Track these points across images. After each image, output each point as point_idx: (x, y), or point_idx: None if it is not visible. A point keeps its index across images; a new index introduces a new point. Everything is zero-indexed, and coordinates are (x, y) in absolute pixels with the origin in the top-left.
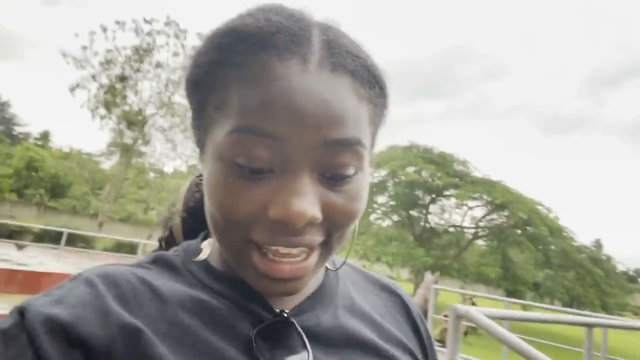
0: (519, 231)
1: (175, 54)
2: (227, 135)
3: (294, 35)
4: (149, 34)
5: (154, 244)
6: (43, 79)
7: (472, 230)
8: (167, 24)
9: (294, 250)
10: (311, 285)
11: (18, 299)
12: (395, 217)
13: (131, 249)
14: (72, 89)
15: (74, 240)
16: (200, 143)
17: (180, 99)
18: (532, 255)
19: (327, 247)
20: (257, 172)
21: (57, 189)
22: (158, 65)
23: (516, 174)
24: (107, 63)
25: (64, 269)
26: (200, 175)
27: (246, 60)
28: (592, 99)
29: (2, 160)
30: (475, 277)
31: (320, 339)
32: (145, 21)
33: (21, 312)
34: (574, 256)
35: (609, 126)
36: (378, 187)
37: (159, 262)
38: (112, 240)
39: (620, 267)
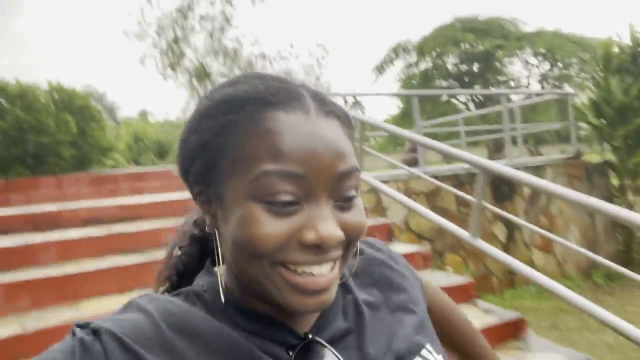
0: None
1: (212, 3)
2: (256, 179)
3: (290, 92)
4: None
5: None
6: (123, 62)
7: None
8: None
9: (324, 267)
10: None
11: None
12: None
13: None
14: (142, 61)
15: None
16: (216, 194)
17: (229, 42)
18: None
19: (344, 260)
20: (288, 206)
21: (162, 151)
22: (202, 18)
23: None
24: (161, 29)
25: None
26: (198, 218)
27: (258, 117)
28: None
29: (116, 140)
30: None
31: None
32: None
33: (93, 330)
34: None
35: None
36: (437, 71)
37: (191, 297)
38: None
39: None
